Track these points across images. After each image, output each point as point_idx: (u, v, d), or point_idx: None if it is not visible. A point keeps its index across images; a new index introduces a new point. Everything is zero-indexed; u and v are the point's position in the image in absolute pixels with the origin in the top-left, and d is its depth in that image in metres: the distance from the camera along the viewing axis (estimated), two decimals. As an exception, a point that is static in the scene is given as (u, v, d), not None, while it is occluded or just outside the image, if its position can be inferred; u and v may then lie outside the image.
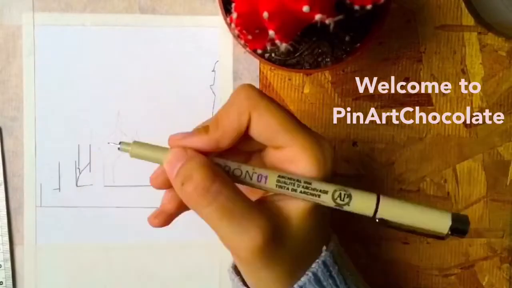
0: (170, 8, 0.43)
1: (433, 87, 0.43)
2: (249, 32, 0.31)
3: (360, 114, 0.43)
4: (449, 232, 0.29)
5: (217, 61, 0.43)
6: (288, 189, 0.30)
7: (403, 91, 0.43)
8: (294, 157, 0.31)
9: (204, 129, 0.31)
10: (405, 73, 0.43)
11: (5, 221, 0.42)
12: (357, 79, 0.43)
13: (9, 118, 0.42)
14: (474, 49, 0.43)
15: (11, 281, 0.42)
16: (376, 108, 0.43)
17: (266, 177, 0.30)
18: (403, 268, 0.44)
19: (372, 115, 0.43)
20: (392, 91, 0.43)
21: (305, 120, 0.43)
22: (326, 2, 0.28)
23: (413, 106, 0.43)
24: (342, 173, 0.43)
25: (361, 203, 0.30)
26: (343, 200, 0.30)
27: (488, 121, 0.43)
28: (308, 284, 0.31)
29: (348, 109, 0.43)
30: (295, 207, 0.30)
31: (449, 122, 0.43)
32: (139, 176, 0.43)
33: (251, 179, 0.30)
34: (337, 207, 0.30)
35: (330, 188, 0.30)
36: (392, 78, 0.43)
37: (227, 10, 0.36)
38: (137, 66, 0.43)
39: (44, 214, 0.43)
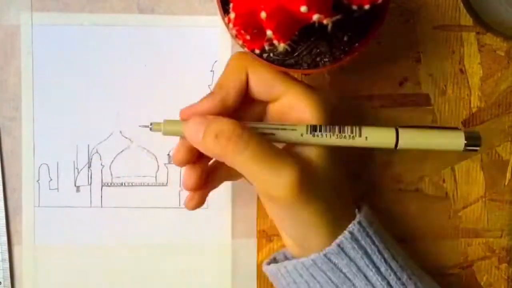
0: (169, 8, 0.42)
1: (431, 87, 0.43)
2: (247, 32, 0.31)
3: (359, 114, 0.43)
4: (465, 148, 0.34)
5: (216, 61, 0.43)
6: (320, 136, 0.34)
7: (402, 91, 0.43)
8: (292, 103, 0.34)
9: (209, 94, 0.34)
10: (403, 73, 0.43)
11: (3, 221, 0.42)
12: (356, 79, 0.43)
13: (7, 118, 0.42)
14: (472, 49, 0.43)
15: (10, 282, 0.42)
16: (374, 108, 0.43)
17: (293, 129, 0.34)
18: (402, 268, 0.44)
19: (371, 115, 0.43)
20: (391, 91, 0.43)
21: (304, 120, 0.43)
22: (324, 2, 0.28)
23: (412, 106, 0.43)
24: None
25: (380, 137, 0.34)
26: (360, 136, 0.34)
27: (486, 121, 0.43)
28: (346, 241, 0.34)
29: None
30: (312, 151, 0.34)
31: (447, 122, 0.43)
32: (138, 176, 0.43)
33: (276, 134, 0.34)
34: (362, 145, 0.34)
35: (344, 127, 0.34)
36: (391, 78, 0.43)
37: (225, 10, 0.36)
38: (135, 66, 0.43)
39: (42, 214, 0.43)
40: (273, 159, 0.31)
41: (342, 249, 0.34)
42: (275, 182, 0.31)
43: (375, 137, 0.34)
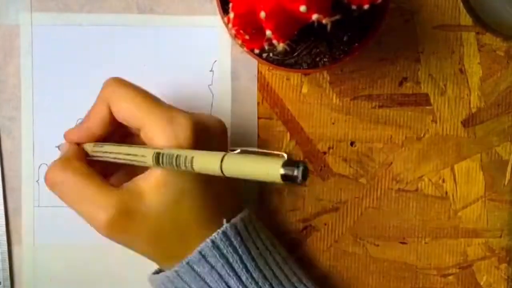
0: (168, 8, 0.42)
1: (431, 87, 0.43)
2: (247, 32, 0.31)
3: (358, 114, 0.43)
4: (284, 181, 0.27)
5: (215, 60, 0.43)
6: (162, 166, 0.32)
7: (401, 91, 0.43)
8: (150, 135, 0.34)
9: (80, 123, 0.37)
10: (403, 73, 0.43)
11: (3, 221, 0.42)
12: (355, 78, 0.43)
13: (7, 118, 0.42)
14: (472, 49, 0.43)
15: (9, 282, 0.42)
16: (374, 108, 0.43)
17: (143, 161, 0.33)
18: (401, 268, 0.44)
19: (370, 115, 0.43)
20: (390, 91, 0.43)
21: (303, 120, 0.43)
22: (323, 2, 0.28)
23: (411, 106, 0.43)
24: (340, 173, 0.43)
25: (204, 162, 0.31)
26: (185, 165, 0.31)
27: (486, 121, 0.43)
28: (207, 249, 0.34)
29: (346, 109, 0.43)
30: (146, 182, 0.34)
31: (447, 122, 0.43)
32: (137, 176, 0.43)
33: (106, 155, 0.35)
34: (185, 169, 0.31)
35: (166, 151, 0.32)
36: (390, 78, 0.43)
37: (224, 10, 0.36)
38: (135, 66, 0.43)
39: (42, 214, 0.43)
40: (86, 200, 0.34)
41: (203, 256, 0.34)
42: (90, 220, 0.34)
43: (204, 166, 0.31)
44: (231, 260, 0.35)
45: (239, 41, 0.32)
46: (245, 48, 0.33)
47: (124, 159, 0.35)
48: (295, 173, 0.26)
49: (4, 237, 0.42)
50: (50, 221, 0.43)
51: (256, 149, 0.30)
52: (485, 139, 0.44)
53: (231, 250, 0.35)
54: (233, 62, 0.43)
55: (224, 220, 0.35)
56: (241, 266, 0.35)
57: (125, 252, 0.43)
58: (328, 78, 0.43)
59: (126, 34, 0.43)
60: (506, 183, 0.44)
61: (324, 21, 0.28)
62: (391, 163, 0.43)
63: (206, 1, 0.42)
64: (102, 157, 0.36)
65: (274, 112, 0.43)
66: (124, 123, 0.36)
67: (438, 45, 0.43)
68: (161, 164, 0.32)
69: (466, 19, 0.43)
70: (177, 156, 0.31)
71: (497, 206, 0.44)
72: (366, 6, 0.30)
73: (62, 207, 0.43)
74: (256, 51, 0.32)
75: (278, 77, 0.43)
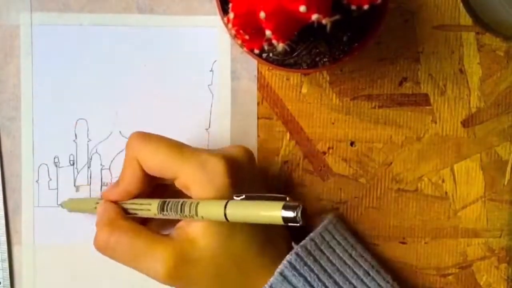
0: (168, 8, 0.43)
1: (431, 87, 0.43)
2: (246, 32, 0.31)
3: (358, 114, 0.43)
4: (285, 223, 0.29)
5: (215, 61, 0.43)
6: (167, 215, 0.34)
7: (401, 91, 0.43)
8: (185, 184, 0.35)
9: (116, 183, 0.38)
10: (402, 73, 0.43)
11: (3, 221, 0.42)
12: (355, 78, 0.43)
13: (6, 118, 0.42)
14: (472, 49, 0.43)
15: (9, 282, 0.42)
16: (374, 108, 0.43)
17: (148, 209, 0.35)
18: (401, 268, 0.44)
19: (370, 115, 0.43)
20: (390, 91, 0.43)
21: (303, 120, 0.43)
22: (323, 2, 0.28)
23: (411, 106, 0.43)
24: (339, 173, 0.43)
25: (209, 209, 0.32)
26: (192, 210, 0.32)
27: (486, 121, 0.43)
28: (286, 270, 0.35)
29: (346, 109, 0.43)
30: (194, 227, 0.34)
31: (447, 122, 0.43)
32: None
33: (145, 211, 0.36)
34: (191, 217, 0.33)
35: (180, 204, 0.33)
36: (390, 78, 0.43)
37: (224, 10, 0.36)
38: (135, 66, 0.43)
39: (42, 214, 0.43)
40: (142, 255, 0.34)
41: (284, 277, 0.35)
42: (149, 274, 0.34)
43: (209, 213, 0.32)
44: (309, 279, 0.36)
45: (239, 41, 0.32)
46: (245, 48, 0.33)
47: (134, 210, 0.37)
48: (294, 214, 0.28)
49: (4, 237, 0.42)
50: (50, 221, 0.43)
51: (258, 194, 0.31)
52: (485, 139, 0.44)
53: (307, 270, 0.36)
54: (233, 62, 0.43)
55: (293, 244, 0.36)
56: (319, 284, 0.36)
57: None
58: (328, 78, 0.43)
59: (126, 34, 0.43)
60: (506, 183, 0.44)
61: (323, 21, 0.28)
62: (391, 163, 0.43)
63: (206, 1, 0.42)
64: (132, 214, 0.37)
65: (274, 112, 0.43)
66: (158, 176, 0.36)
67: (438, 45, 0.43)
68: (165, 212, 0.34)
69: (466, 19, 0.43)
70: (182, 203, 0.33)
71: (497, 206, 0.44)
72: (365, 6, 0.30)
73: (61, 207, 0.43)
74: (256, 51, 0.32)
75: (278, 77, 0.43)
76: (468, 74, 0.43)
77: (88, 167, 0.43)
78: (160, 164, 0.35)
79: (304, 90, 0.43)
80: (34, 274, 0.43)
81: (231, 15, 0.31)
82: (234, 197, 0.32)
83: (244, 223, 0.33)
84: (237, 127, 0.43)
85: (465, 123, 0.43)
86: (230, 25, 0.31)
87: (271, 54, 0.37)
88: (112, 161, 0.43)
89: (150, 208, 0.35)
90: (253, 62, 0.43)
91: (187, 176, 0.34)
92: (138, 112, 0.43)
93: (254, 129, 0.43)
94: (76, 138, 0.43)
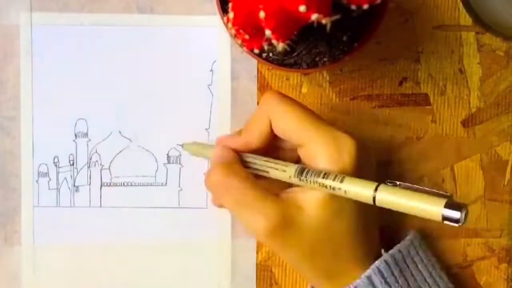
0: (168, 8, 0.43)
1: (431, 87, 0.43)
2: (246, 31, 0.31)
3: (358, 114, 0.43)
4: (443, 221, 0.29)
5: (215, 60, 0.43)
6: (304, 180, 0.33)
7: (401, 91, 0.43)
8: (312, 153, 0.34)
9: (238, 132, 0.38)
10: (402, 73, 0.43)
11: (3, 221, 0.42)
12: (355, 78, 0.43)
13: (6, 118, 0.42)
14: (472, 49, 0.43)
15: (9, 282, 0.42)
16: (374, 108, 0.43)
17: (283, 170, 0.35)
18: (401, 268, 0.44)
19: (370, 115, 0.43)
20: (390, 91, 0.43)
21: (303, 120, 0.43)
22: (323, 2, 0.28)
23: (411, 106, 0.43)
24: (340, 173, 0.43)
25: (356, 187, 0.32)
26: (336, 181, 0.32)
27: (486, 121, 0.43)
28: (374, 276, 0.35)
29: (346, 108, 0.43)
30: (308, 197, 0.34)
31: (447, 122, 0.43)
32: (137, 176, 0.43)
33: (269, 171, 0.36)
34: (332, 191, 0.32)
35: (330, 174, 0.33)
36: (390, 78, 0.43)
37: (224, 10, 0.36)
38: (135, 66, 0.43)
39: (42, 214, 0.43)
40: (251, 205, 0.34)
41: (371, 282, 0.35)
42: (251, 226, 0.34)
43: (354, 189, 0.32)
44: None
45: (239, 41, 0.32)
46: (244, 48, 0.33)
47: (262, 171, 0.36)
48: (459, 216, 0.28)
49: (4, 237, 0.42)
50: (50, 221, 0.43)
51: (412, 185, 0.32)
52: (485, 139, 0.44)
53: (393, 280, 0.36)
54: (233, 62, 0.43)
55: (382, 250, 0.37)
56: None
57: (124, 251, 0.43)
58: (328, 78, 0.43)
59: (126, 34, 0.43)
60: (506, 183, 0.44)
61: (323, 21, 0.28)
62: (391, 163, 0.43)
63: (206, 1, 0.42)
64: (250, 168, 0.37)
65: (274, 112, 0.43)
66: (284, 138, 0.36)
67: (438, 45, 0.43)
68: (302, 177, 0.33)
69: (465, 19, 0.43)
70: (324, 174, 0.32)
71: (497, 206, 0.44)
72: (365, 6, 0.30)
73: (61, 207, 0.43)
74: (256, 51, 0.32)
75: (278, 77, 0.43)
76: (468, 74, 0.43)
77: (88, 167, 0.43)
78: (291, 126, 0.35)
79: (304, 90, 0.43)
80: (34, 274, 0.43)
81: (231, 14, 0.31)
82: (387, 182, 0.32)
83: (353, 207, 0.34)
84: (237, 127, 0.43)
85: (465, 123, 0.43)
86: (230, 25, 0.31)
87: (271, 54, 0.37)
88: (112, 161, 0.43)
89: (286, 169, 0.34)
90: (253, 62, 0.43)
91: (317, 146, 0.34)
92: (137, 112, 0.43)
93: (254, 129, 0.43)
94: (76, 138, 0.43)
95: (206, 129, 0.43)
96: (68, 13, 0.42)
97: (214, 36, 0.43)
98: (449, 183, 0.44)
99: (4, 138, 0.42)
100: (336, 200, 0.34)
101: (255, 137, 0.36)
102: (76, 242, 0.43)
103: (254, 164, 0.36)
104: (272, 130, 0.36)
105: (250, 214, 0.34)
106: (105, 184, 0.43)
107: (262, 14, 0.28)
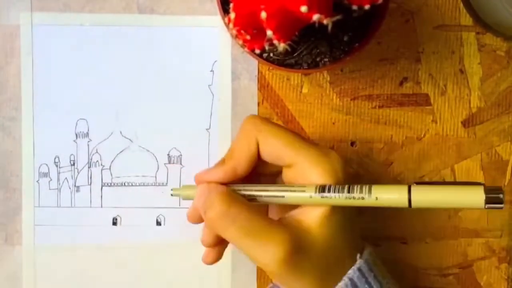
0: (168, 8, 0.42)
1: (431, 87, 0.43)
2: (247, 32, 0.31)
3: (359, 114, 0.43)
4: (486, 206, 0.29)
5: (216, 61, 0.43)
6: (328, 197, 0.32)
7: (401, 91, 0.43)
8: (305, 171, 0.33)
9: (221, 162, 0.35)
10: (403, 73, 0.43)
11: (3, 221, 0.42)
12: (355, 78, 0.43)
13: (7, 118, 0.42)
14: (472, 49, 0.43)
15: (9, 282, 0.42)
16: (374, 108, 0.43)
17: (302, 191, 0.33)
18: (402, 268, 0.44)
19: (371, 115, 0.43)
20: (390, 91, 0.43)
21: (304, 120, 0.43)
22: (324, 2, 0.28)
23: (412, 106, 0.43)
24: (340, 173, 0.43)
25: (387, 192, 0.31)
26: (364, 192, 0.32)
27: (486, 121, 0.43)
28: (356, 278, 0.34)
29: (346, 109, 0.43)
30: (312, 216, 0.33)
31: (447, 122, 0.43)
32: (137, 176, 0.43)
33: (265, 196, 0.34)
34: (358, 204, 0.32)
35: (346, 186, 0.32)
36: (390, 78, 0.43)
37: (225, 10, 0.36)
38: (135, 66, 0.43)
39: (42, 214, 0.43)
40: (259, 234, 0.32)
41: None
42: (262, 257, 0.32)
43: (386, 196, 0.31)
44: None
45: (240, 41, 0.32)
46: (246, 48, 0.33)
47: (266, 199, 0.34)
48: (502, 197, 0.29)
49: (5, 237, 0.42)
50: (50, 221, 0.43)
51: (441, 181, 0.32)
52: (485, 139, 0.44)
53: (367, 287, 0.34)
54: (234, 62, 0.43)
55: (358, 255, 0.35)
56: None
57: (125, 252, 0.43)
58: (329, 78, 0.43)
59: (126, 34, 0.43)
60: (506, 183, 0.44)
61: (324, 22, 0.28)
62: (392, 163, 0.43)
63: (207, 1, 0.42)
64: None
65: (275, 112, 0.43)
66: (270, 160, 0.35)
67: (438, 45, 0.43)
68: (325, 193, 0.32)
69: (466, 19, 0.43)
70: (349, 185, 0.32)
71: (497, 206, 0.44)
72: (367, 7, 0.30)
73: (62, 207, 0.43)
74: (257, 51, 0.32)
75: (278, 77, 0.43)
76: (468, 74, 0.43)
77: (88, 167, 0.43)
78: (279, 148, 0.34)
79: (304, 90, 0.43)
80: (34, 274, 0.43)
81: (232, 15, 0.31)
82: (414, 183, 0.31)
83: (346, 215, 0.33)
84: (238, 127, 0.42)
85: (466, 123, 0.44)
86: (231, 25, 0.31)
87: (271, 54, 0.37)
88: (112, 161, 0.43)
89: (305, 189, 0.33)
90: (253, 62, 0.43)
91: (310, 162, 0.33)
92: (138, 112, 0.43)
93: (255, 129, 0.43)
94: (76, 138, 0.43)
95: (206, 129, 0.43)
96: (69, 13, 0.42)
97: (214, 36, 0.43)
98: (449, 183, 0.44)
99: (5, 138, 0.42)
100: (335, 213, 0.33)
101: (242, 160, 0.34)
102: (76, 242, 0.43)
103: (250, 191, 0.34)
104: (257, 155, 0.34)
105: (259, 244, 0.32)
106: (106, 184, 0.43)
107: (263, 15, 0.28)
